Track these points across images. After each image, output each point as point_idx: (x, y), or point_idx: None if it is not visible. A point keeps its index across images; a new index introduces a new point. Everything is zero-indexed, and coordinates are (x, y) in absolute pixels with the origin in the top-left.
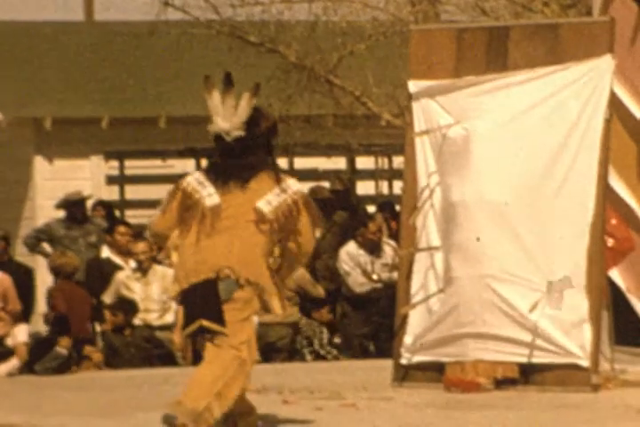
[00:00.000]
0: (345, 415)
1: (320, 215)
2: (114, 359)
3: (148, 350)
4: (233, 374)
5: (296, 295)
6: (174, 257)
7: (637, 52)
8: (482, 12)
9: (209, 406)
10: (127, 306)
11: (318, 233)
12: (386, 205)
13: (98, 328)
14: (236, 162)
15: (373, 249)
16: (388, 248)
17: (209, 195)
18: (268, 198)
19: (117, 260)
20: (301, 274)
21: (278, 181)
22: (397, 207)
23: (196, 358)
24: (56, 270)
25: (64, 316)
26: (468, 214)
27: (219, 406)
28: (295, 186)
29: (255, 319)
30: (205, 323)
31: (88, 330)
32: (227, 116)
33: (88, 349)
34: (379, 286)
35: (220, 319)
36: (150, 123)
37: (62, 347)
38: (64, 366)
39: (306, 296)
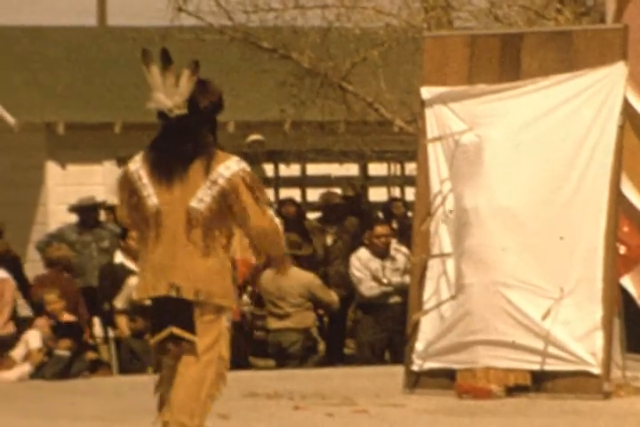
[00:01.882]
0: (356, 422)
1: (262, 190)
2: (133, 365)
3: None
4: (210, 383)
5: (308, 301)
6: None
7: None
8: (495, 18)
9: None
10: (146, 311)
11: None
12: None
13: (111, 333)
14: (169, 149)
15: (384, 254)
16: (400, 255)
17: (148, 195)
18: (199, 195)
19: (131, 265)
20: (311, 280)
21: (207, 172)
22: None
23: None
24: (51, 263)
25: (61, 322)
26: (479, 221)
27: (205, 417)
28: (229, 170)
29: (225, 319)
30: (176, 330)
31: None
32: (168, 94)
33: (90, 354)
34: (389, 289)
35: (191, 327)
36: None
37: (62, 349)
38: (69, 369)
39: (318, 303)
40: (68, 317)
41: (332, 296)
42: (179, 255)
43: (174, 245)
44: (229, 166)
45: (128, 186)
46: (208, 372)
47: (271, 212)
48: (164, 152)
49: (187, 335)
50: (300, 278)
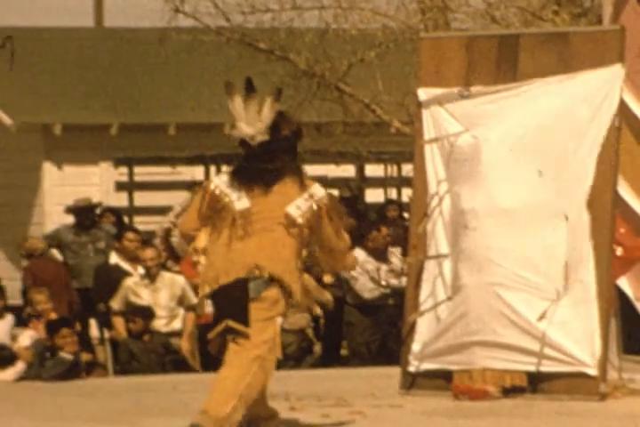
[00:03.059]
0: (352, 423)
1: (343, 215)
2: (131, 365)
3: (164, 357)
4: (254, 374)
5: None
6: (202, 260)
7: None
8: (492, 20)
9: (233, 411)
10: (146, 312)
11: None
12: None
13: (107, 334)
14: (261, 166)
15: (380, 256)
16: (394, 257)
17: (239, 198)
18: (297, 203)
19: (126, 266)
20: (306, 280)
21: (304, 186)
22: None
23: (209, 362)
24: (28, 253)
25: (56, 320)
26: (477, 222)
27: (241, 407)
28: (320, 192)
29: (280, 320)
30: (231, 323)
31: (63, 309)
32: (250, 122)
33: (85, 355)
34: (387, 291)
35: (245, 320)
36: (160, 130)
37: (67, 352)
38: (71, 372)
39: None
40: (54, 315)
41: (327, 296)
42: (265, 249)
43: (261, 241)
44: (319, 189)
45: (212, 197)
46: (254, 365)
47: (346, 235)
48: (255, 169)
49: (242, 328)
50: None
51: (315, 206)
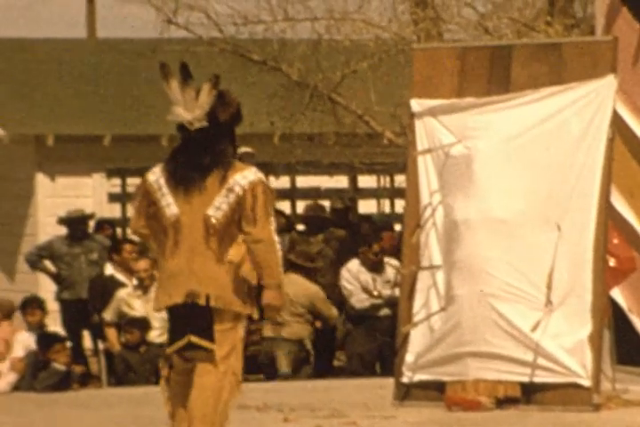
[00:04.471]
0: None
1: (273, 203)
2: (127, 377)
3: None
4: (228, 392)
5: (308, 313)
6: (156, 272)
7: None
8: (484, 31)
9: None
10: (142, 324)
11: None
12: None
13: (101, 346)
14: (188, 161)
15: (375, 267)
16: (389, 267)
17: (167, 205)
18: (216, 203)
19: (121, 277)
20: (316, 292)
21: (224, 181)
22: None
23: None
24: None
25: (48, 335)
26: (470, 233)
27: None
28: (245, 179)
29: (241, 330)
30: (194, 339)
31: None
32: (188, 107)
33: (78, 367)
34: (379, 301)
35: (209, 335)
36: (152, 141)
37: (60, 363)
38: (63, 383)
39: (317, 315)
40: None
41: (333, 311)
42: (196, 263)
43: (192, 254)
44: (246, 176)
45: (147, 196)
46: (225, 381)
47: (272, 227)
48: (183, 164)
49: (205, 343)
50: (305, 289)
51: (241, 192)
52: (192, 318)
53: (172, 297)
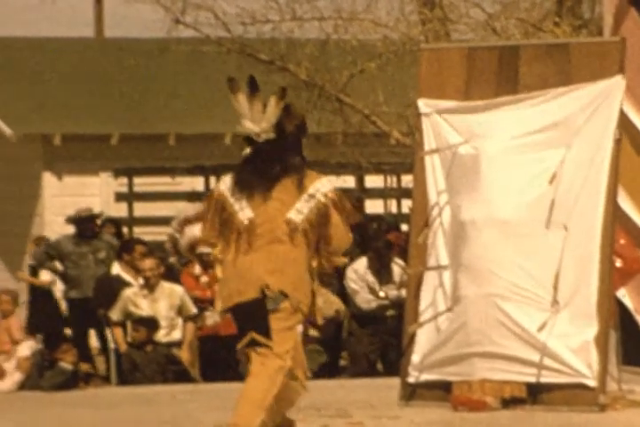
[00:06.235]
0: None
1: (352, 210)
2: (133, 376)
3: (166, 367)
4: (281, 385)
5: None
6: (219, 272)
7: None
8: (492, 31)
9: (262, 424)
10: (151, 323)
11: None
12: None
13: (112, 344)
14: (261, 168)
15: (381, 267)
16: (396, 267)
17: (241, 209)
18: (298, 207)
19: (128, 277)
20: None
21: (303, 187)
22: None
23: (208, 373)
24: None
25: (55, 332)
26: (477, 233)
27: (271, 420)
28: (325, 187)
29: (300, 329)
30: (255, 336)
31: None
32: (255, 120)
33: (84, 366)
34: (386, 302)
35: (267, 332)
36: (160, 140)
37: (67, 362)
38: (70, 382)
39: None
40: None
41: (341, 306)
42: (271, 265)
43: (268, 256)
44: (324, 184)
45: (219, 204)
46: (279, 376)
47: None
48: (255, 172)
49: (264, 341)
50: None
51: (320, 204)
52: (255, 316)
53: (242, 294)
